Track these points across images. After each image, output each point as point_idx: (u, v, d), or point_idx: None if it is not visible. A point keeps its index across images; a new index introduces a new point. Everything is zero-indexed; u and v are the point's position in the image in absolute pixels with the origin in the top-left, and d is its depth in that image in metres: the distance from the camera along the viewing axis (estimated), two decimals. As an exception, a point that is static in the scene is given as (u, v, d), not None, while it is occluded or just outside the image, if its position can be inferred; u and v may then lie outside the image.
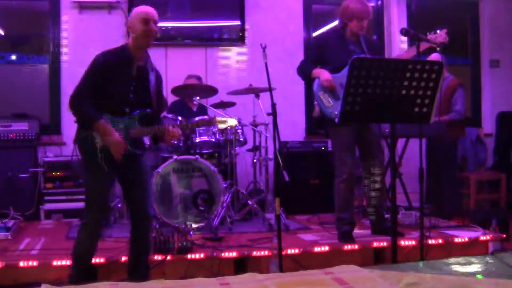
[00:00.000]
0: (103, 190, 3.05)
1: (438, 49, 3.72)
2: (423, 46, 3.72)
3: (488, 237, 4.15)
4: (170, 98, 5.34)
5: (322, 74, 3.98)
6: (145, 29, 2.98)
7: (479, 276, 2.21)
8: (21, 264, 3.44)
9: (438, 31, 3.67)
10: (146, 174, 3.23)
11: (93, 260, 3.22)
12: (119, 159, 2.99)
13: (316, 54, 4.17)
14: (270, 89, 3.55)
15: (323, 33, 6.30)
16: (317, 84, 4.05)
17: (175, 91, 4.93)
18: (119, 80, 2.99)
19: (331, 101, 3.96)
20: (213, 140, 4.70)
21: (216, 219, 4.41)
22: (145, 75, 3.07)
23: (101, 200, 3.05)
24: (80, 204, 3.25)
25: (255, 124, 5.10)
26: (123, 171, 3.12)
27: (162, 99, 3.30)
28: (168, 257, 3.60)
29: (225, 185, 4.56)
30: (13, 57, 5.91)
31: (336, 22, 6.81)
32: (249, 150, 5.39)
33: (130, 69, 3.02)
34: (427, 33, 3.70)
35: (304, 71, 4.19)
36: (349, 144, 4.05)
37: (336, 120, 3.25)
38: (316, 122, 6.21)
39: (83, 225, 3.07)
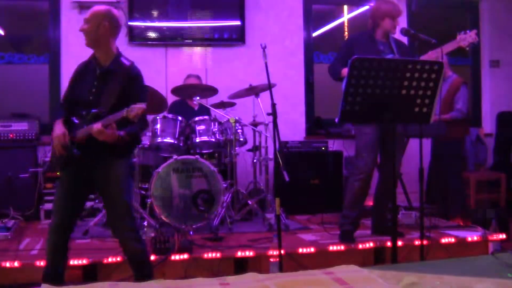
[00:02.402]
0: (62, 196, 3.00)
1: (467, 49, 3.73)
2: (449, 47, 3.74)
3: (488, 237, 4.15)
4: (170, 98, 5.33)
5: None
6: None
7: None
8: (21, 264, 3.45)
9: (467, 31, 3.70)
10: (118, 185, 3.01)
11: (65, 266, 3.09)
12: (61, 152, 2.93)
13: (345, 54, 4.19)
14: (270, 89, 3.55)
15: (353, 34, 6.32)
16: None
17: (175, 91, 4.93)
18: (82, 85, 3.05)
19: None
20: (213, 140, 4.69)
21: (216, 219, 4.41)
22: (107, 77, 3.01)
23: (57, 206, 3.00)
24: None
25: (255, 124, 5.10)
26: (95, 180, 3.04)
27: (130, 99, 2.91)
28: (168, 257, 3.60)
29: (225, 185, 4.56)
30: (13, 57, 5.91)
31: (337, 22, 6.88)
32: (249, 150, 5.39)
33: (93, 74, 3.04)
34: (457, 33, 3.72)
35: (334, 71, 4.24)
36: (372, 144, 4.05)
37: (336, 120, 3.25)
38: (316, 122, 6.27)
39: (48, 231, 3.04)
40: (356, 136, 4.17)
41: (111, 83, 2.99)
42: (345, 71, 4.09)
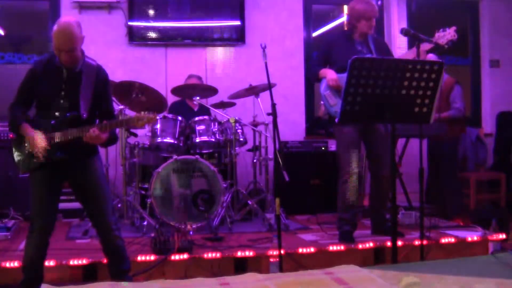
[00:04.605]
0: (40, 198, 2.98)
1: (446, 47, 3.71)
2: (428, 46, 3.72)
3: (488, 237, 4.15)
4: (170, 98, 5.33)
5: (328, 74, 4.04)
6: (60, 58, 2.96)
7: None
8: (21, 264, 3.44)
9: (446, 29, 3.67)
10: (98, 180, 3.08)
11: (43, 268, 3.07)
12: (40, 158, 2.90)
13: (324, 54, 4.20)
14: (270, 89, 3.55)
15: (331, 34, 6.32)
16: (324, 84, 4.09)
17: (175, 91, 4.93)
18: (48, 87, 2.99)
19: (336, 100, 3.99)
20: (213, 140, 4.69)
21: (216, 219, 4.41)
22: (77, 80, 3.00)
23: (40, 208, 2.97)
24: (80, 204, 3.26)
25: (255, 124, 5.10)
26: (72, 180, 3.07)
27: (102, 101, 3.09)
28: (168, 257, 3.60)
29: (225, 185, 4.56)
30: (13, 57, 5.91)
31: (337, 22, 6.88)
32: (249, 150, 5.39)
33: (59, 75, 3.00)
34: (436, 31, 3.70)
35: (311, 72, 4.26)
36: (353, 144, 4.05)
37: (336, 120, 3.25)
38: (316, 122, 6.27)
39: (28, 234, 3.00)
40: (336, 136, 4.16)
41: (83, 85, 2.99)
42: (323, 71, 4.11)
